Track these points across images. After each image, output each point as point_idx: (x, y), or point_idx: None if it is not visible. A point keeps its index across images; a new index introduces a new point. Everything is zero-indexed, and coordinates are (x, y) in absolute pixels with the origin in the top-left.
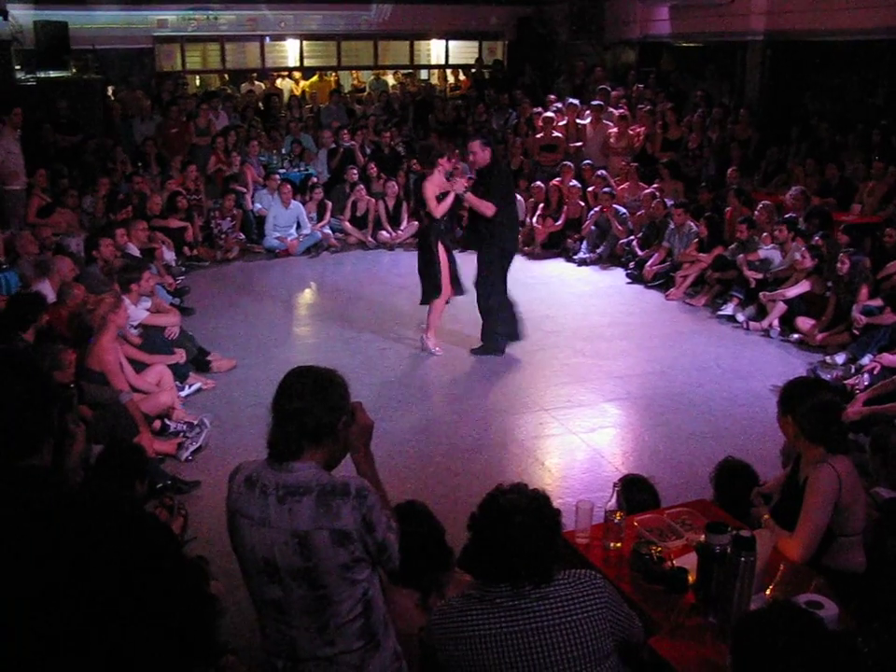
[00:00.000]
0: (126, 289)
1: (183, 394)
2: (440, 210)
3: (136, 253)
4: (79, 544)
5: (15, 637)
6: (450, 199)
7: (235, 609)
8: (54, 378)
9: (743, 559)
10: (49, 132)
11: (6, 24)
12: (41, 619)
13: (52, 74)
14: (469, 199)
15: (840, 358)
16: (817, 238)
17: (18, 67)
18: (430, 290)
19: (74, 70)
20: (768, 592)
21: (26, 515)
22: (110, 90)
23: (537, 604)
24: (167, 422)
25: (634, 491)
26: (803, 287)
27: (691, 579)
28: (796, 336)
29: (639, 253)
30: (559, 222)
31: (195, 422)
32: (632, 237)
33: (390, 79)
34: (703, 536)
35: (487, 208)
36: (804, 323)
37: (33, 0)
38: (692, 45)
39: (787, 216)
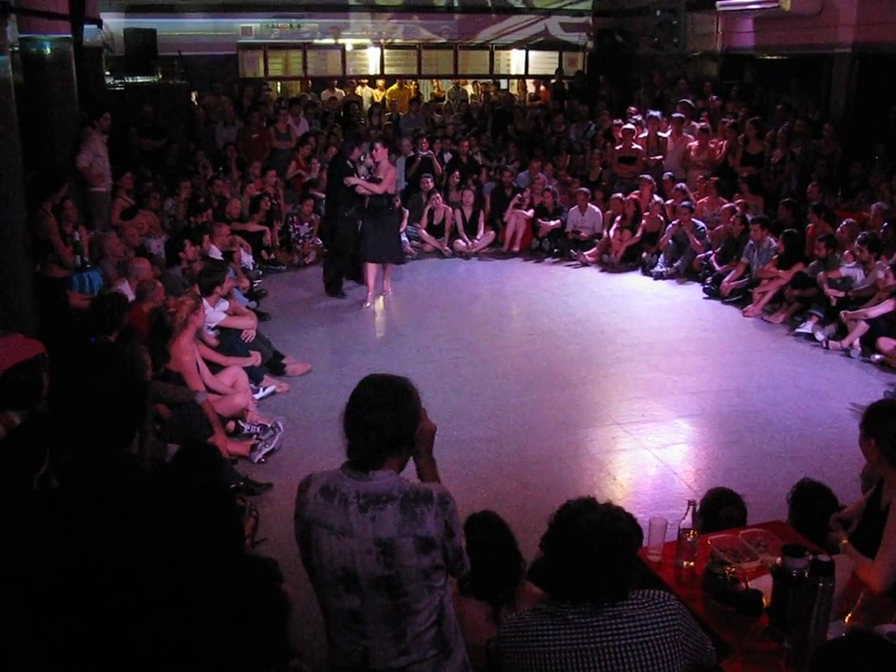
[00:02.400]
0: (209, 292)
1: (257, 396)
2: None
3: (219, 256)
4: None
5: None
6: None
7: (299, 618)
8: (143, 375)
9: (821, 584)
10: (134, 135)
11: (98, 32)
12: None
13: (139, 79)
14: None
15: None
16: None
17: (107, 73)
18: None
19: (160, 76)
20: (847, 620)
21: (130, 498)
22: (194, 95)
23: (609, 622)
24: (241, 424)
25: (721, 504)
26: (886, 307)
27: (765, 602)
28: (878, 357)
29: (717, 268)
30: (636, 235)
31: (269, 424)
32: (710, 252)
33: (469, 89)
34: (779, 558)
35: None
36: (886, 343)
37: (124, 9)
38: (776, 57)
39: (864, 233)
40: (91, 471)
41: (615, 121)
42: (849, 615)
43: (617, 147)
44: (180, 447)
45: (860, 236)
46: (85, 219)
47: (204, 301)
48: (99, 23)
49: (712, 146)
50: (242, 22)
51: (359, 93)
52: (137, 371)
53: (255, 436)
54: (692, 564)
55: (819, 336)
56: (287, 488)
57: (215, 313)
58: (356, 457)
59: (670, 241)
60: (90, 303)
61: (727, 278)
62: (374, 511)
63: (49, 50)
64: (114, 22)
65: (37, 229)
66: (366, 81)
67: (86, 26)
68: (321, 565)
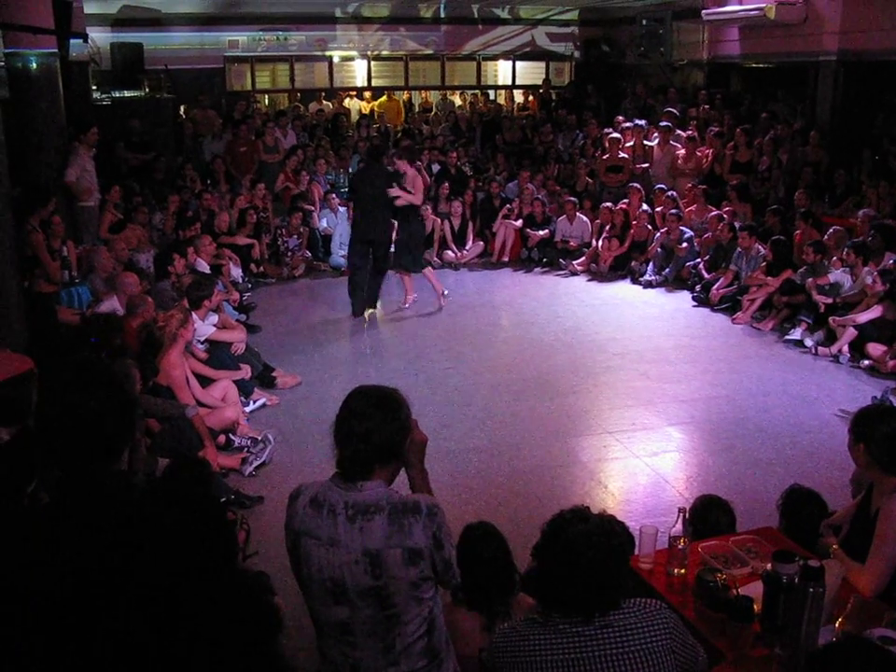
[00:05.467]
0: (197, 305)
1: (248, 409)
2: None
3: (206, 269)
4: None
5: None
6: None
7: (291, 630)
8: (132, 391)
9: (811, 590)
10: (121, 150)
11: (85, 47)
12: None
13: (126, 93)
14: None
15: None
16: (890, 262)
17: (94, 87)
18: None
19: (147, 90)
20: (837, 624)
21: (120, 513)
22: (182, 109)
23: (601, 632)
24: (231, 437)
25: (710, 511)
26: (874, 313)
27: (756, 608)
28: (866, 362)
29: (706, 276)
30: (624, 245)
31: (259, 437)
32: (699, 260)
33: (457, 100)
34: (769, 564)
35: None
36: (874, 349)
37: (110, 23)
38: (761, 66)
39: (855, 240)
40: (81, 487)
41: (604, 130)
42: (840, 620)
43: (604, 157)
44: (170, 461)
45: (848, 242)
46: (73, 234)
47: (193, 315)
48: (85, 38)
49: (699, 154)
50: (228, 36)
51: (347, 105)
52: (124, 386)
53: (245, 449)
54: (683, 571)
55: (808, 342)
56: (278, 501)
57: (204, 326)
58: (344, 468)
59: (659, 249)
60: (79, 319)
61: (716, 286)
62: (362, 521)
63: (34, 65)
64: (100, 37)
65: (25, 244)
66: (354, 93)
67: (72, 40)
68: (310, 576)
